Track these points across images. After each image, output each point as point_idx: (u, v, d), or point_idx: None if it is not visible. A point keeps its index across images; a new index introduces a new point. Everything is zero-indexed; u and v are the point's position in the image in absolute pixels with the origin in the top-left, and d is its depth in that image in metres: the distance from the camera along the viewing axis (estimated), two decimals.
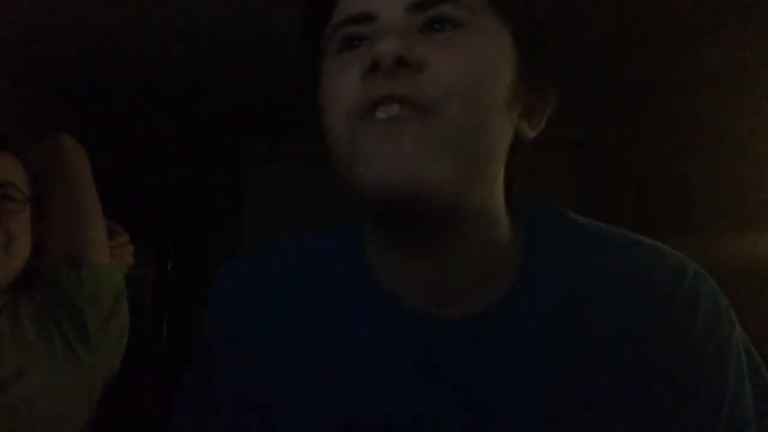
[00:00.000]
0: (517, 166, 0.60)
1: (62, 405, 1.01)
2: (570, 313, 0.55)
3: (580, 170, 3.06)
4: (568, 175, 3.02)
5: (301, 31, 0.61)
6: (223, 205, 3.62)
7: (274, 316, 0.62)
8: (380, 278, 0.58)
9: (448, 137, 0.49)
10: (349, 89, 0.52)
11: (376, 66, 0.50)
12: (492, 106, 0.52)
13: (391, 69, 0.49)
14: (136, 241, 1.19)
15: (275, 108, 3.11)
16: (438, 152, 0.49)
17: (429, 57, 0.50)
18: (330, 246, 0.64)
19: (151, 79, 2.85)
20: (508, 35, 0.55)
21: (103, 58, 2.64)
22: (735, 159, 2.82)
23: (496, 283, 0.56)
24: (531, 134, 0.59)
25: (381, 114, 0.49)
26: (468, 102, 0.50)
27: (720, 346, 0.54)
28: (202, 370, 0.66)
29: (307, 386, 0.58)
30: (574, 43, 2.43)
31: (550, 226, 0.60)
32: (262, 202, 3.53)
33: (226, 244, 3.50)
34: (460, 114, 0.49)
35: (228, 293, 0.66)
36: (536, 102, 0.58)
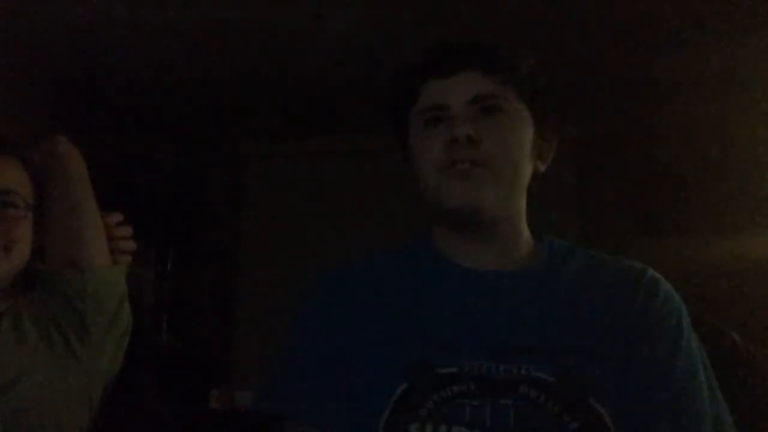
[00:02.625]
0: (533, 192, 0.92)
1: (62, 406, 1.01)
2: (576, 283, 0.87)
3: (580, 170, 3.07)
4: (569, 175, 3.02)
5: (391, 106, 0.95)
6: (223, 205, 3.62)
7: (364, 288, 0.90)
8: (444, 256, 0.90)
9: (497, 179, 0.84)
10: (436, 152, 0.85)
11: (455, 140, 0.83)
12: (521, 158, 0.86)
13: (465, 143, 0.83)
14: (136, 242, 1.18)
15: (275, 108, 3.12)
16: (491, 188, 0.83)
17: (484, 134, 0.83)
18: (404, 248, 0.97)
19: (151, 78, 2.85)
20: (528, 113, 0.88)
21: (103, 58, 2.65)
22: (735, 159, 2.82)
23: (522, 262, 0.89)
24: (542, 168, 0.91)
25: (459, 167, 0.83)
26: (508, 160, 0.85)
27: (675, 313, 0.84)
28: (307, 330, 0.90)
29: (391, 326, 0.85)
30: (574, 43, 2.44)
31: (563, 244, 0.93)
32: (262, 202, 3.53)
33: (226, 244, 3.50)
34: (503, 168, 0.84)
35: (325, 282, 0.94)
36: (546, 147, 0.91)
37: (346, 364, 0.84)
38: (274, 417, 0.86)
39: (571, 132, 2.75)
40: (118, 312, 1.08)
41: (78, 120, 2.99)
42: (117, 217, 1.16)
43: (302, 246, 3.16)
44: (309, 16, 2.33)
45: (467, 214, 0.84)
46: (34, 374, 0.99)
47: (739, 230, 2.75)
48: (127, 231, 1.16)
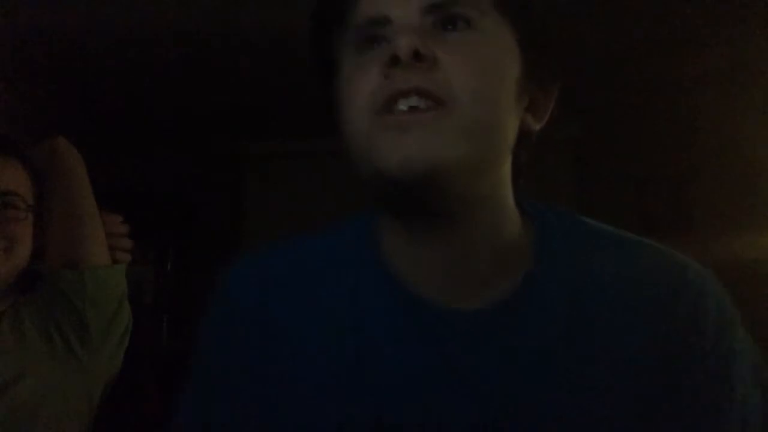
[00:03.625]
0: (522, 161, 0.63)
1: (63, 406, 1.01)
2: (580, 311, 0.58)
3: (580, 170, 3.07)
4: (568, 175, 3.02)
5: (312, 30, 0.65)
6: (223, 205, 3.62)
7: (282, 308, 0.64)
8: (393, 271, 0.61)
9: (462, 127, 0.53)
10: (369, 84, 0.56)
11: (395, 59, 0.54)
12: (500, 99, 0.57)
13: (409, 63, 0.54)
14: (136, 241, 1.18)
15: (275, 108, 3.11)
16: (454, 140, 0.53)
17: (442, 54, 0.55)
18: (339, 241, 0.67)
19: (151, 79, 2.85)
20: (513, 34, 0.59)
21: (103, 58, 2.64)
22: (735, 159, 2.82)
23: (506, 277, 0.60)
24: (536, 127, 0.63)
25: (402, 106, 0.54)
26: (479, 96, 0.55)
27: (726, 347, 0.57)
28: (207, 366, 0.68)
29: (314, 378, 0.60)
30: (574, 43, 2.43)
31: (561, 225, 0.63)
32: (262, 201, 3.53)
33: (226, 244, 3.50)
34: (472, 107, 0.54)
35: (236, 289, 0.68)
36: (540, 96, 0.62)
37: (257, 405, 0.62)
38: None
39: (571, 132, 2.76)
40: (117, 312, 1.08)
41: (78, 120, 2.99)
42: (116, 218, 1.16)
43: None
44: (309, 16, 2.33)
45: (413, 185, 0.53)
46: (34, 374, 0.99)
47: (739, 230, 2.74)
48: (124, 228, 1.16)
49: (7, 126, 2.85)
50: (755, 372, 0.57)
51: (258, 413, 0.62)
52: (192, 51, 2.62)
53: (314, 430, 0.59)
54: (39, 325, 1.03)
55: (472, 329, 0.58)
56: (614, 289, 0.58)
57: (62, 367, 1.02)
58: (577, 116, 2.69)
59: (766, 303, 2.54)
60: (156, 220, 3.31)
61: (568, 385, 0.56)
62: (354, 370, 0.59)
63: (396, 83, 0.54)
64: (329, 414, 0.58)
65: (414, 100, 0.54)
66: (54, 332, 1.02)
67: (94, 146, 1.20)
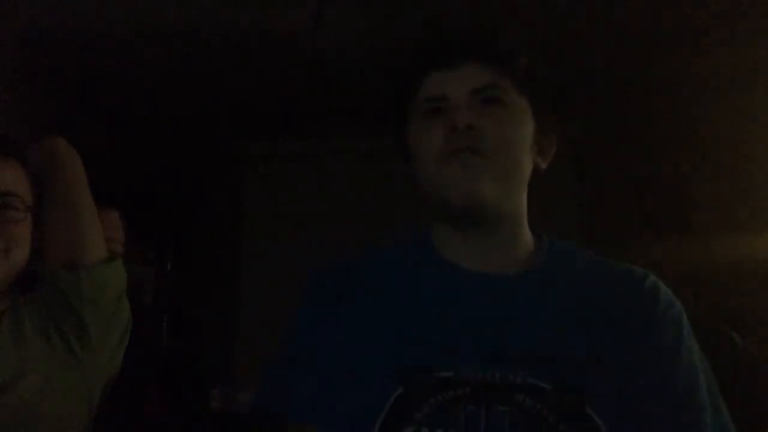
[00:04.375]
0: (530, 189, 0.90)
1: (62, 406, 1.01)
2: (576, 288, 0.86)
3: (580, 170, 3.07)
4: (568, 175, 3.02)
5: (391, 96, 0.94)
6: (223, 205, 3.62)
7: (362, 290, 0.89)
8: (444, 257, 0.90)
9: (497, 172, 0.83)
10: (436, 142, 0.85)
11: (455, 128, 0.83)
12: (521, 150, 0.86)
13: (465, 131, 0.83)
14: (136, 242, 1.18)
15: (275, 108, 3.12)
16: (492, 181, 0.83)
17: (485, 123, 0.83)
18: (403, 245, 0.96)
19: (151, 79, 2.85)
20: (529, 107, 0.87)
21: (103, 58, 2.65)
22: (735, 159, 2.82)
23: (521, 264, 0.88)
24: (543, 165, 0.91)
25: (459, 159, 0.82)
26: (508, 151, 0.84)
27: (676, 320, 0.83)
28: (303, 337, 0.90)
29: (384, 334, 0.84)
30: (574, 43, 2.44)
31: (564, 245, 0.92)
32: (262, 202, 3.53)
33: (226, 244, 3.50)
34: (504, 158, 0.84)
35: (326, 280, 0.93)
36: (546, 144, 0.91)
37: (344, 365, 0.84)
38: (274, 417, 0.86)
39: (571, 132, 2.76)
40: (116, 310, 1.08)
41: (77, 120, 2.99)
42: (113, 213, 1.16)
43: (302, 246, 3.16)
44: (309, 16, 2.33)
45: (468, 208, 0.83)
46: (34, 374, 0.99)
47: (739, 230, 2.75)
48: (119, 223, 1.16)
49: (7, 126, 2.85)
50: (696, 348, 0.83)
51: (341, 374, 0.83)
52: (192, 51, 2.62)
53: (382, 370, 0.80)
54: (38, 326, 1.03)
55: (498, 286, 0.86)
56: (600, 281, 0.87)
57: (62, 367, 1.02)
58: (577, 116, 2.69)
59: (766, 303, 2.54)
60: (156, 220, 3.32)
61: (563, 332, 0.81)
62: (417, 325, 0.83)
63: (455, 144, 0.83)
64: (393, 358, 0.81)
65: (467, 154, 0.82)
66: (53, 332, 1.02)
67: (94, 146, 1.20)
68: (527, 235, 0.90)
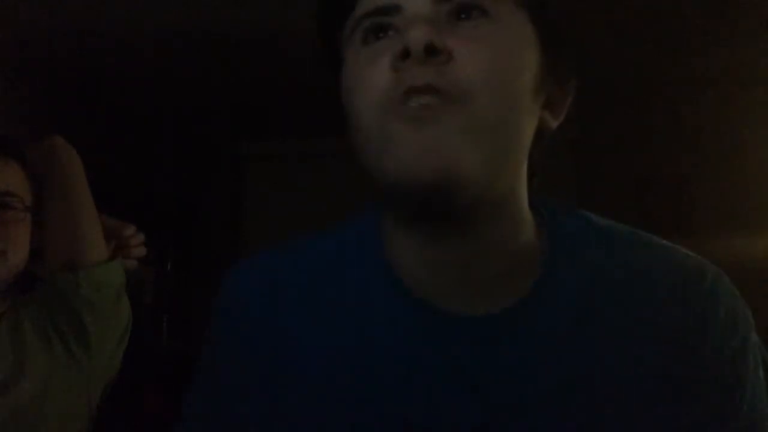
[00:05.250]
0: (537, 161, 0.60)
1: (62, 406, 1.01)
2: (593, 315, 0.56)
3: (580, 170, 3.06)
4: (568, 175, 3.02)
5: (318, 21, 0.62)
6: (222, 205, 3.62)
7: (287, 314, 0.61)
8: (400, 275, 0.59)
9: (478, 126, 0.50)
10: (379, 79, 0.52)
11: (406, 53, 0.50)
12: (519, 95, 0.53)
13: (421, 56, 0.50)
14: None
15: (275, 108, 3.11)
16: (469, 141, 0.49)
17: (457, 46, 0.51)
18: (345, 243, 0.64)
19: (151, 78, 2.85)
20: (531, 26, 0.55)
21: (103, 58, 2.64)
22: (735, 159, 2.82)
23: (517, 281, 0.57)
24: (553, 124, 0.59)
25: (413, 103, 0.50)
26: (496, 92, 0.51)
27: (738, 347, 0.55)
28: (211, 371, 0.66)
29: (320, 380, 0.58)
30: (574, 44, 2.43)
31: (572, 227, 0.60)
32: (261, 201, 3.53)
33: (226, 244, 3.50)
34: (489, 104, 0.50)
35: (239, 294, 0.66)
36: (557, 92, 0.58)
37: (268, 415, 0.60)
38: None
39: (570, 132, 2.75)
40: (116, 310, 1.07)
41: (77, 120, 2.99)
42: (131, 230, 1.17)
43: None
44: (309, 16, 2.33)
45: (423, 187, 0.49)
46: (33, 375, 0.99)
47: (739, 230, 2.74)
48: (141, 238, 1.17)
49: (7, 126, 2.85)
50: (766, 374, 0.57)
51: (266, 416, 0.60)
52: (192, 51, 2.62)
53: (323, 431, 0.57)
54: (38, 327, 1.02)
55: (479, 335, 0.56)
56: (628, 292, 0.56)
57: (61, 367, 1.02)
58: (577, 116, 2.69)
59: (767, 303, 2.54)
60: (156, 220, 3.31)
61: (576, 388, 0.54)
62: (361, 373, 0.57)
63: (407, 79, 0.50)
64: (337, 416, 0.57)
65: (427, 98, 0.49)
66: (53, 333, 1.02)
67: (94, 146, 1.20)
68: (528, 231, 0.59)
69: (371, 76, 0.52)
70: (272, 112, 3.16)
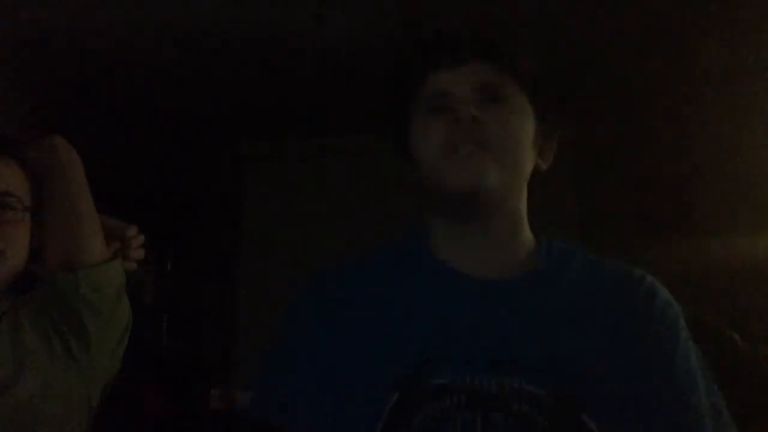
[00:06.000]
0: (531, 190, 0.92)
1: (62, 406, 1.01)
2: (574, 291, 0.86)
3: (580, 170, 3.07)
4: (569, 175, 3.02)
5: (391, 102, 0.95)
6: (222, 205, 3.62)
7: (358, 294, 0.89)
8: (440, 258, 0.90)
9: (499, 165, 0.83)
10: (439, 136, 0.85)
11: (459, 121, 0.84)
12: (522, 147, 0.87)
13: (469, 124, 0.83)
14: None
15: (275, 108, 3.12)
16: (494, 172, 0.83)
17: (488, 118, 0.84)
18: (399, 249, 0.95)
19: (151, 79, 2.85)
20: (530, 106, 0.88)
21: (103, 58, 2.65)
22: (735, 159, 2.82)
23: (520, 265, 0.88)
24: (544, 167, 0.92)
25: (462, 151, 0.83)
26: (511, 145, 0.85)
27: (672, 318, 0.83)
28: (294, 343, 0.90)
29: (385, 334, 0.84)
30: (574, 43, 2.44)
31: (562, 244, 0.92)
32: (261, 201, 3.53)
33: (226, 244, 3.50)
34: (506, 152, 0.84)
35: (320, 285, 0.93)
36: (546, 145, 0.92)
37: (340, 372, 0.84)
38: (273, 427, 0.85)
39: (571, 132, 2.76)
40: (115, 310, 1.07)
41: (77, 120, 2.99)
42: (133, 231, 1.17)
43: (302, 246, 3.16)
44: (309, 16, 2.33)
45: (469, 196, 0.83)
46: (33, 375, 0.99)
47: (739, 230, 2.75)
48: (141, 240, 1.17)
49: (6, 126, 2.85)
50: (694, 349, 0.83)
51: (338, 381, 0.83)
52: (192, 51, 2.62)
53: (378, 379, 0.80)
54: (37, 327, 1.02)
55: (497, 288, 0.86)
56: (597, 286, 0.87)
57: (61, 368, 1.02)
58: (577, 116, 2.69)
59: (767, 303, 2.54)
60: (156, 220, 3.31)
61: (560, 337, 0.81)
62: (409, 324, 0.84)
63: (460, 137, 0.83)
64: (389, 366, 0.80)
65: (471, 148, 0.83)
66: (52, 334, 1.02)
67: (94, 146, 1.20)
68: (527, 235, 0.91)
69: (434, 135, 0.86)
70: (272, 112, 3.17)
